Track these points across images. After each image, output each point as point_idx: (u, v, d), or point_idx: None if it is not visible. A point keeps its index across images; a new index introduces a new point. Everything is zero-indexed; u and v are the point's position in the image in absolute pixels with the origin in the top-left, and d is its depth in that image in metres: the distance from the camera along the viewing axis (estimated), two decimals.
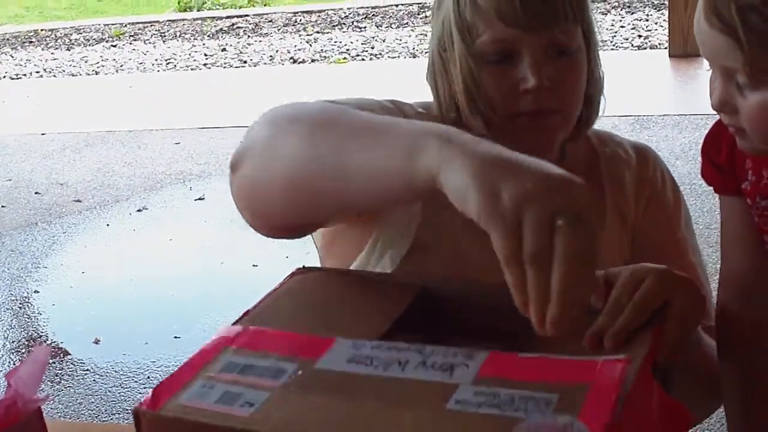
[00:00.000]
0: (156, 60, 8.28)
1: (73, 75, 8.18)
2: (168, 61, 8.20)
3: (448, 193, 0.84)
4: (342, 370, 0.86)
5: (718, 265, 1.32)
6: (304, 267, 1.11)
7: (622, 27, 7.53)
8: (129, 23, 9.84)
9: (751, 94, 1.06)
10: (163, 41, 9.00)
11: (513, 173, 0.81)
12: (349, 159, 0.95)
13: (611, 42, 7.20)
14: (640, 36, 7.22)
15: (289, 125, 1.08)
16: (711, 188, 1.30)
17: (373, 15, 9.04)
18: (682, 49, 6.09)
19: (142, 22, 9.82)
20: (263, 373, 0.86)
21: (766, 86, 1.04)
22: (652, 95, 5.71)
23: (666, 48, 6.33)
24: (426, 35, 7.26)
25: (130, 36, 9.34)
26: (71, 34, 9.68)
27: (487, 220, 0.79)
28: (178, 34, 9.21)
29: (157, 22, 9.79)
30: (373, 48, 7.82)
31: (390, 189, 0.93)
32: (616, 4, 8.30)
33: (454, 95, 1.30)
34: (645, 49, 6.92)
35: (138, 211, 4.72)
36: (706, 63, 1.11)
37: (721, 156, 1.26)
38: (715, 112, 1.13)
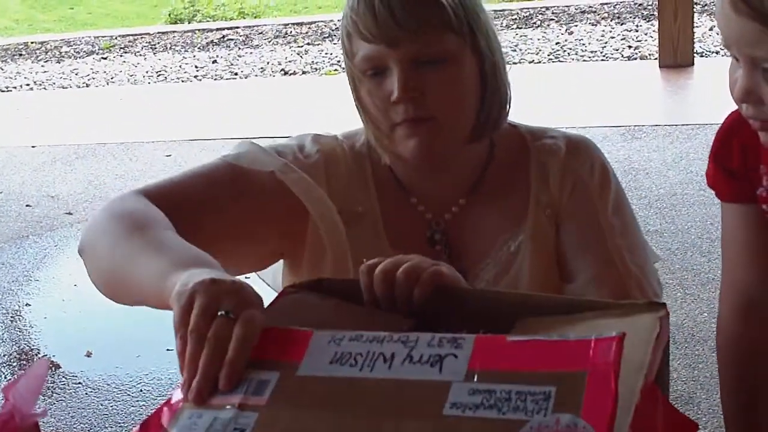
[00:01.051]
0: (147, 72, 8.26)
1: (63, 87, 8.15)
2: (159, 73, 8.18)
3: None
4: (325, 374, 0.83)
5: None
6: (294, 285, 1.11)
7: (612, 38, 7.54)
8: (119, 35, 9.81)
9: None
10: (154, 53, 8.97)
11: (201, 278, 0.97)
12: (131, 272, 1.15)
13: (601, 53, 7.20)
14: (630, 47, 7.23)
15: (111, 226, 1.25)
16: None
17: None
18: (672, 60, 6.10)
19: (132, 35, 9.79)
20: (246, 387, 0.84)
21: None
22: (643, 106, 5.71)
23: (656, 58, 6.33)
24: None
25: (121, 48, 9.32)
26: (61, 47, 9.65)
27: (173, 299, 0.97)
28: (168, 46, 9.19)
29: (148, 34, 9.76)
30: None
31: (151, 301, 1.11)
32: (606, 15, 8.31)
33: None
34: (635, 59, 6.93)
35: None
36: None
37: (733, 161, 1.24)
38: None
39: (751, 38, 1.01)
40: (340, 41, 1.39)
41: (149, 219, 1.24)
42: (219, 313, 0.92)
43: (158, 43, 9.38)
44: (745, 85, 1.06)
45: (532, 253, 1.39)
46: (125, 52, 9.16)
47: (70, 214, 4.91)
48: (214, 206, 1.34)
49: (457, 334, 0.83)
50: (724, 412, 1.34)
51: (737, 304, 1.30)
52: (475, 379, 0.79)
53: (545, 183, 1.42)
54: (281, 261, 1.46)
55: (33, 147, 6.15)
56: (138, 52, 9.12)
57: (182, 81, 7.87)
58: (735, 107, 1.22)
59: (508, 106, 1.42)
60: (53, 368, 3.30)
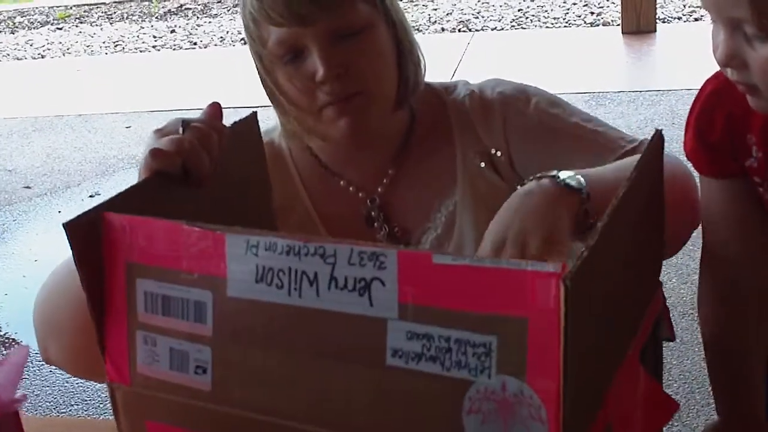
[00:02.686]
0: (104, 42, 8.14)
1: (18, 59, 8.03)
2: (116, 43, 8.07)
3: None
4: (256, 297, 0.82)
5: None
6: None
7: (574, 4, 7.53)
8: (74, 5, 9.67)
9: (762, 45, 0.99)
10: (110, 23, 8.86)
11: None
12: None
13: (564, 19, 7.19)
14: (592, 13, 7.22)
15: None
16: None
17: None
18: (635, 26, 6.10)
19: (87, 4, 9.66)
20: (185, 311, 0.85)
21: None
22: (607, 72, 5.70)
23: (618, 25, 6.33)
24: None
25: (76, 18, 9.18)
26: (15, 17, 9.49)
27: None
28: (125, 15, 9.07)
29: (104, 3, 9.63)
30: None
31: None
32: None
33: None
34: (598, 26, 6.92)
35: (90, 196, 4.63)
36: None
37: (715, 132, 1.19)
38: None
39: (730, 0, 0.98)
40: (245, 31, 1.33)
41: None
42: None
43: (114, 12, 9.25)
44: (727, 49, 1.02)
45: (471, 208, 1.35)
46: (81, 22, 9.03)
47: (28, 188, 4.84)
48: None
49: (376, 247, 0.79)
50: (713, 387, 1.33)
51: (725, 281, 1.26)
52: (410, 319, 0.76)
53: (470, 133, 1.38)
54: None
55: None
56: (94, 22, 9.00)
57: (140, 51, 7.77)
58: (708, 74, 1.18)
59: (423, 66, 1.38)
60: (15, 346, 3.25)
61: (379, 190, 1.40)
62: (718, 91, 1.18)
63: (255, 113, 1.14)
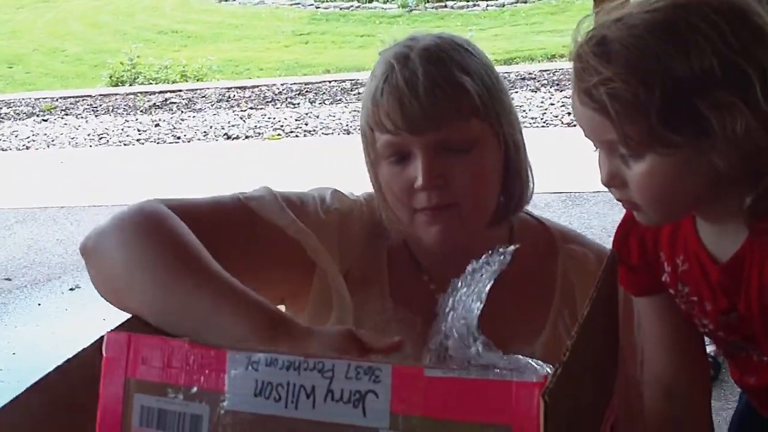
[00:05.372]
0: (88, 135, 8.23)
1: (2, 150, 8.08)
2: (101, 136, 8.15)
3: None
4: (253, 410, 0.85)
5: None
6: None
7: (552, 104, 7.69)
8: (60, 97, 9.79)
9: (635, 164, 1.10)
10: (96, 116, 8.95)
11: (348, 336, 1.07)
12: (206, 320, 1.11)
13: (541, 119, 7.34)
14: (569, 113, 7.37)
15: (147, 254, 1.17)
16: None
17: (307, 91, 9.11)
18: None
19: (73, 96, 9.77)
20: (181, 425, 0.87)
21: (646, 154, 1.08)
22: (584, 172, 5.78)
23: None
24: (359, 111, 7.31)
25: (62, 110, 9.28)
26: (1, 108, 9.58)
27: None
28: (110, 108, 9.17)
29: (89, 96, 9.74)
30: (306, 124, 7.86)
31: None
32: (546, 81, 8.50)
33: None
34: (575, 126, 7.02)
35: (71, 289, 4.63)
36: None
37: (632, 256, 1.29)
38: None
39: (599, 127, 1.09)
40: (360, 129, 1.35)
41: (201, 253, 1.19)
42: None
43: (100, 105, 9.36)
44: (608, 170, 1.13)
45: (551, 349, 1.31)
46: (66, 114, 9.13)
47: (8, 279, 4.83)
48: (224, 241, 1.28)
49: (372, 362, 0.84)
50: None
51: (661, 394, 1.33)
52: (401, 428, 0.80)
53: (570, 294, 1.36)
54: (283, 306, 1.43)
55: None
56: (79, 114, 9.09)
57: (124, 144, 7.84)
58: None
59: (531, 187, 1.37)
60: None
61: None
62: (630, 218, 1.26)
63: None
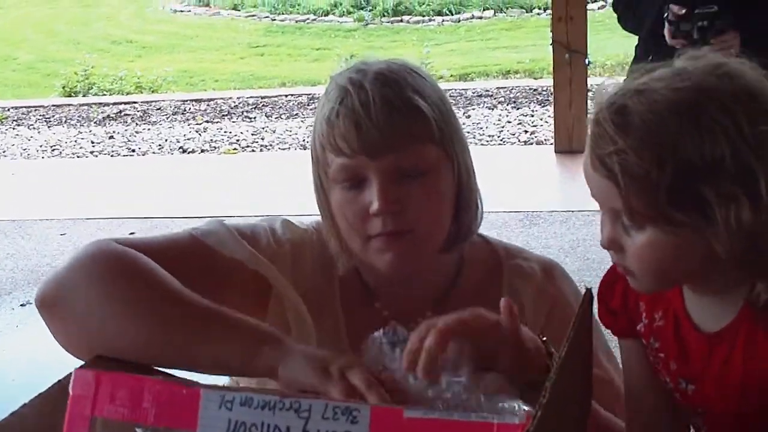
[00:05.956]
0: (40, 146, 8.12)
1: None
2: (53, 147, 8.04)
3: (282, 381, 1.08)
4: None
5: None
6: None
7: (509, 122, 7.72)
8: (12, 107, 9.65)
9: (636, 234, 1.14)
10: (48, 127, 8.84)
11: (332, 356, 1.09)
12: (196, 349, 1.13)
13: (498, 137, 7.37)
14: (526, 131, 7.41)
15: (123, 290, 1.17)
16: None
17: (263, 105, 9.08)
18: (568, 146, 6.24)
19: (25, 106, 9.64)
20: None
21: (648, 226, 1.13)
22: (540, 191, 5.83)
23: (552, 143, 6.49)
24: None
25: (13, 120, 9.15)
26: None
27: (320, 383, 1.02)
28: (63, 119, 9.06)
29: (42, 106, 9.62)
30: (263, 138, 7.83)
31: (231, 372, 1.20)
32: (503, 99, 8.53)
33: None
34: (531, 144, 7.10)
35: (21, 305, 4.55)
36: None
37: (614, 300, 1.33)
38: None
39: (608, 194, 1.13)
40: (311, 150, 1.34)
41: (173, 286, 1.20)
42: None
43: (53, 116, 9.24)
44: (609, 235, 1.18)
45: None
46: (18, 125, 9.00)
47: None
48: (181, 278, 1.26)
49: (351, 402, 0.82)
50: None
51: (642, 427, 1.36)
52: None
53: (519, 309, 1.35)
54: None
55: None
56: (31, 124, 8.97)
57: (78, 156, 7.75)
58: None
59: (480, 214, 1.39)
60: None
61: (411, 326, 1.37)
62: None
63: None
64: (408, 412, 0.81)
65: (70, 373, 0.95)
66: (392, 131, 1.24)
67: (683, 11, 2.98)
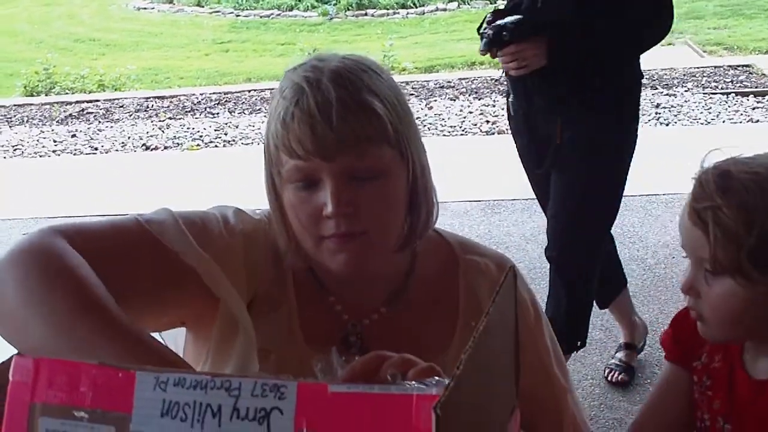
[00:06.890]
0: (2, 146, 8.05)
1: None
2: (15, 147, 7.99)
3: None
4: (158, 431, 0.86)
5: None
6: None
7: (471, 113, 7.75)
8: None
9: (714, 283, 1.30)
10: (10, 126, 8.78)
11: None
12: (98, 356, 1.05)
13: (460, 127, 7.40)
14: (488, 121, 7.45)
15: (42, 295, 1.14)
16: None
17: (226, 101, 9.06)
18: None
19: None
20: None
21: (727, 278, 1.28)
22: (501, 180, 5.86)
23: None
24: None
25: None
26: None
27: None
28: (25, 119, 9.00)
29: (3, 106, 9.55)
30: (226, 134, 7.82)
31: None
32: (465, 90, 8.57)
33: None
34: (493, 134, 7.14)
35: None
36: None
37: (685, 332, 1.48)
38: None
39: (698, 242, 1.30)
40: (264, 147, 1.32)
41: (97, 293, 1.15)
42: None
43: (14, 115, 9.18)
44: (689, 281, 1.34)
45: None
46: None
47: None
48: (122, 264, 1.25)
49: (278, 379, 0.85)
50: None
51: None
52: None
53: (475, 305, 1.39)
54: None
55: None
56: None
57: (40, 156, 7.70)
58: None
59: (436, 212, 1.38)
60: None
61: (365, 322, 1.39)
62: None
63: None
64: (333, 387, 0.84)
65: (10, 358, 0.96)
66: (347, 135, 1.23)
67: (490, 18, 3.15)
